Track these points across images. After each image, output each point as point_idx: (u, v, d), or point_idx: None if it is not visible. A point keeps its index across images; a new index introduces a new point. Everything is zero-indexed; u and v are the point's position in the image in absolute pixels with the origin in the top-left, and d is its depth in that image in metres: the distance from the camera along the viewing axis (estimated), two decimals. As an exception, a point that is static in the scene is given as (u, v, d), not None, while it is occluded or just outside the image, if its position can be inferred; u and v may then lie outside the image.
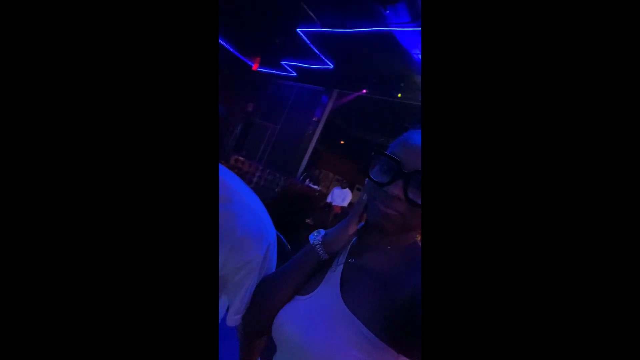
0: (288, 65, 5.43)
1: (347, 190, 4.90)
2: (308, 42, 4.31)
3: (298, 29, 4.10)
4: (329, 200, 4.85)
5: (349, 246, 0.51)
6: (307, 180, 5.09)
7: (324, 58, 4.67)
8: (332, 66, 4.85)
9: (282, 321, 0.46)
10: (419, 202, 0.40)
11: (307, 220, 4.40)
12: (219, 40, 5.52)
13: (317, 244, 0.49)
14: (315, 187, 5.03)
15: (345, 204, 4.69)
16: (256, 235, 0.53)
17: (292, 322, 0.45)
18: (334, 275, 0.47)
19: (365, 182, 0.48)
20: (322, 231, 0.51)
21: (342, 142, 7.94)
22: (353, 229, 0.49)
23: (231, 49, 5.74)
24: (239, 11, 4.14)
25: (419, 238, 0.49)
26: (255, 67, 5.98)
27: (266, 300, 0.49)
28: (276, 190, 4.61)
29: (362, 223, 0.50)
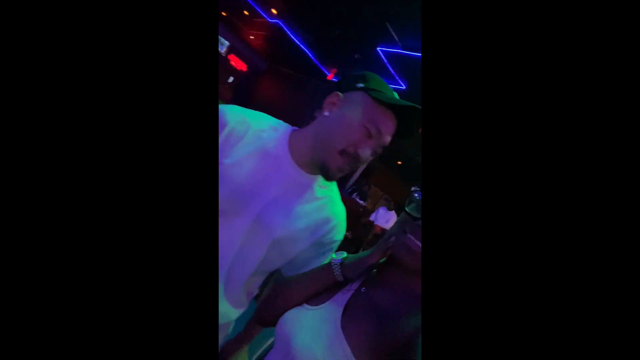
0: (361, 79, 5.54)
1: (393, 212, 4.79)
2: (385, 61, 4.37)
3: (378, 48, 4.19)
4: (372, 218, 4.80)
5: (366, 275, 0.53)
6: (355, 194, 5.11)
7: (397, 78, 4.68)
8: (404, 87, 4.82)
9: (285, 322, 0.50)
10: None
11: (346, 233, 4.41)
12: (303, 47, 5.92)
13: (335, 265, 0.51)
14: (362, 202, 5.02)
15: (388, 226, 4.59)
16: (343, 224, 0.69)
17: (293, 326, 0.48)
18: (342, 298, 0.50)
19: (398, 218, 0.50)
20: (345, 253, 0.54)
21: (399, 162, 7.75)
22: (373, 260, 0.50)
23: (312, 57, 6.09)
24: (327, 24, 4.41)
25: None
26: (330, 77, 6.24)
27: (281, 297, 0.54)
28: (323, 196, 4.71)
29: (384, 258, 0.51)
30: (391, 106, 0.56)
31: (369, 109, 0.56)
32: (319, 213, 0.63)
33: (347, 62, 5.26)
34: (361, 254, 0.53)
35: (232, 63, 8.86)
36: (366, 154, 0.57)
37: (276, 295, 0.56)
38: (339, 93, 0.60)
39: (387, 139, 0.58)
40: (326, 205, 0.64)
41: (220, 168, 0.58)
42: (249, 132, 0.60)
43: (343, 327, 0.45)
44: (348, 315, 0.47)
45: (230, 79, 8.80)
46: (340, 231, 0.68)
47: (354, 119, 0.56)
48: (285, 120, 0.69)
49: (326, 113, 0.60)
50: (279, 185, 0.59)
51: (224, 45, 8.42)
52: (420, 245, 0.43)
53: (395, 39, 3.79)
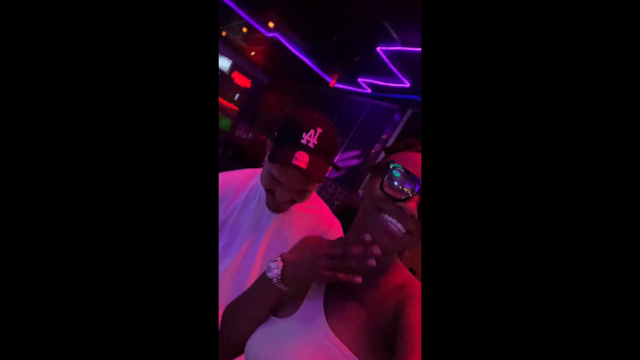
0: (364, 82, 5.50)
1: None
2: (386, 60, 4.29)
3: (378, 48, 4.13)
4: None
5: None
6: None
7: (400, 76, 4.58)
8: (408, 84, 4.71)
9: (259, 343, 0.44)
10: None
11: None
12: (302, 57, 5.94)
13: (275, 279, 0.45)
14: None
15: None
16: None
17: (270, 344, 0.43)
18: (315, 296, 0.46)
19: (363, 195, 0.47)
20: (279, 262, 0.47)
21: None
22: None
23: (312, 66, 6.10)
24: (324, 31, 4.40)
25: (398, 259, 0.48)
26: (332, 83, 6.22)
27: (235, 323, 0.48)
28: (335, 203, 4.63)
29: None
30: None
31: (267, 156, 0.66)
32: (314, 228, 0.74)
33: (348, 66, 5.22)
34: (303, 257, 0.48)
35: (236, 80, 9.06)
36: (282, 196, 0.65)
37: (229, 322, 0.50)
38: (269, 140, 0.71)
39: (296, 187, 0.64)
40: (318, 218, 0.75)
41: (225, 216, 0.72)
42: (237, 185, 0.76)
43: (331, 326, 0.42)
44: (330, 313, 0.44)
45: (236, 96, 8.96)
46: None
47: (264, 167, 0.68)
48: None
49: (265, 159, 0.71)
50: (269, 216, 0.72)
51: (227, 64, 8.63)
52: (400, 227, 0.41)
53: (394, 36, 3.71)
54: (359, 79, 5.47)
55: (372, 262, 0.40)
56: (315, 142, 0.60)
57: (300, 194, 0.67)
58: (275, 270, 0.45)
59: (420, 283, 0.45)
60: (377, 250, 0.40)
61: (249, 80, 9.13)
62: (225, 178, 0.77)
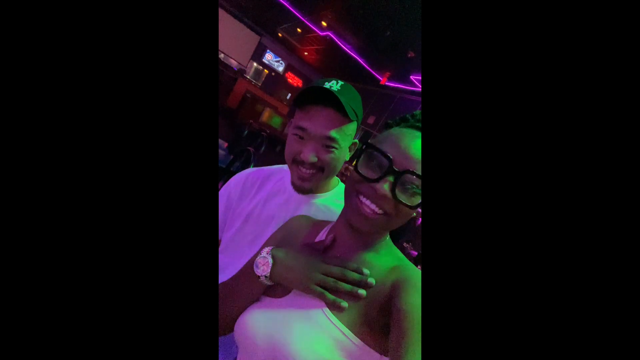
0: (417, 80, 5.22)
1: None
2: (442, 54, 4.00)
3: (433, 41, 3.87)
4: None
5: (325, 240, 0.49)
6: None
7: (458, 72, 4.24)
8: (467, 81, 4.34)
9: (256, 324, 0.43)
10: (405, 202, 0.40)
11: (405, 245, 4.02)
12: (354, 55, 5.87)
13: (263, 276, 0.44)
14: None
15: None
16: None
17: (268, 324, 0.43)
18: None
19: (349, 177, 0.46)
20: (269, 263, 0.44)
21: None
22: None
23: (363, 63, 6.00)
24: (377, 27, 4.28)
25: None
26: (383, 81, 6.04)
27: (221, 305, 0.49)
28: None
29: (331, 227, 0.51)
30: (307, 101, 0.60)
31: (293, 118, 0.64)
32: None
33: (400, 62, 5.01)
34: (294, 257, 0.47)
35: (290, 80, 9.40)
36: (309, 156, 0.61)
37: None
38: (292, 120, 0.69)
39: (322, 131, 0.60)
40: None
41: (249, 210, 0.71)
42: (262, 180, 0.74)
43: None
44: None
45: (288, 96, 9.29)
46: None
47: (289, 133, 0.65)
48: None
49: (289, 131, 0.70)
50: (294, 211, 0.69)
51: (282, 64, 9.01)
52: (375, 207, 0.41)
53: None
54: (412, 77, 5.20)
55: (362, 294, 0.40)
56: (339, 88, 0.60)
57: (327, 145, 0.61)
58: (263, 268, 0.44)
59: (412, 265, 0.45)
60: (370, 283, 0.41)
61: (301, 80, 9.39)
62: (250, 173, 0.76)
